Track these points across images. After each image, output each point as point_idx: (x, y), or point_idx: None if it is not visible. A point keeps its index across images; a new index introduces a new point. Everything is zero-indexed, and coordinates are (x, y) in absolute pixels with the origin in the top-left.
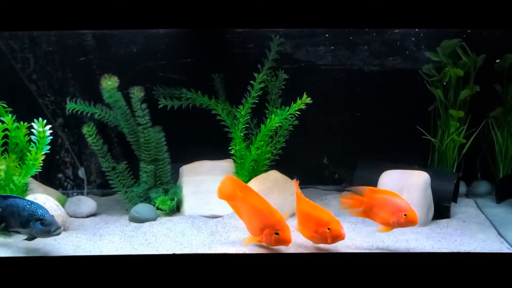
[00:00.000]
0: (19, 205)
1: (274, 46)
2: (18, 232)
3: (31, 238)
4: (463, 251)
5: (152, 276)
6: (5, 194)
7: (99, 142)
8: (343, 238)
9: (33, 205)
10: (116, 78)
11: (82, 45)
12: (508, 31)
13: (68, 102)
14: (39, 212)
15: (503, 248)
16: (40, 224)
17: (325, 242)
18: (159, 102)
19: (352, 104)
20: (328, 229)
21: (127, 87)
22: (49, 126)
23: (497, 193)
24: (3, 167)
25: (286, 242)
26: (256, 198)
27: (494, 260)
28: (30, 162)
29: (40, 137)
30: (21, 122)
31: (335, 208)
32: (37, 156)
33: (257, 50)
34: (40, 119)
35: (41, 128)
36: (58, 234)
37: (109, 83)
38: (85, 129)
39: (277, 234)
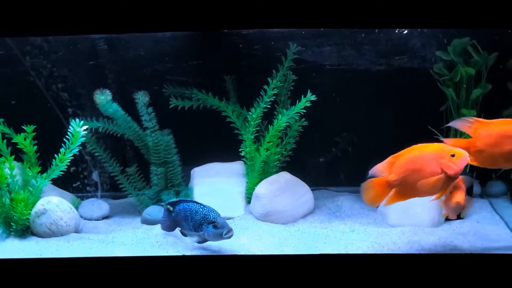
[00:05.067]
0: (192, 209)
1: (291, 54)
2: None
3: (202, 241)
4: (476, 252)
5: (162, 278)
6: (176, 199)
7: (100, 148)
8: (468, 157)
9: (205, 208)
10: (107, 91)
11: (93, 49)
12: None
13: (71, 121)
14: (211, 215)
15: None
16: (212, 227)
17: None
18: (170, 102)
19: (364, 104)
20: (452, 155)
21: (136, 90)
22: (86, 127)
23: (511, 193)
24: (6, 170)
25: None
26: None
27: (508, 261)
28: (55, 164)
29: (73, 137)
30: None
31: (347, 210)
32: (65, 158)
33: (266, 51)
34: (77, 119)
35: (78, 128)
36: (230, 237)
37: (102, 97)
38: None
39: (453, 156)
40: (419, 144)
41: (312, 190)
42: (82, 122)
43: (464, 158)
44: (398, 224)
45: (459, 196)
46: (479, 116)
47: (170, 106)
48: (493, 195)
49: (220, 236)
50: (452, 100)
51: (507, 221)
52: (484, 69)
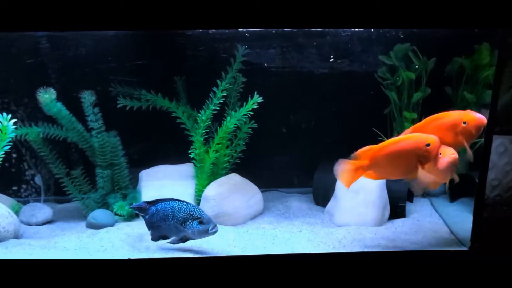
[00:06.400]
0: (174, 207)
1: (239, 56)
2: (163, 239)
3: (179, 241)
4: (416, 249)
5: (107, 282)
6: (153, 200)
7: (47, 148)
8: (485, 122)
9: (188, 205)
10: (52, 89)
11: (33, 47)
12: (457, 35)
13: None
14: (196, 212)
15: (454, 245)
16: (198, 224)
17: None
18: (118, 102)
19: (312, 106)
20: (464, 123)
21: (81, 90)
22: (14, 120)
23: (450, 192)
24: None
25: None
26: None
27: (446, 257)
28: None
29: (2, 133)
30: None
31: (296, 210)
32: None
33: (214, 52)
34: (5, 114)
35: (6, 122)
36: (215, 232)
37: (46, 96)
38: (30, 137)
39: (428, 145)
40: (394, 139)
41: (262, 191)
42: (9, 115)
43: (436, 143)
44: (344, 224)
45: (449, 151)
46: (420, 119)
47: (118, 106)
48: (433, 194)
49: (205, 233)
50: (394, 103)
51: (445, 219)
52: (424, 74)
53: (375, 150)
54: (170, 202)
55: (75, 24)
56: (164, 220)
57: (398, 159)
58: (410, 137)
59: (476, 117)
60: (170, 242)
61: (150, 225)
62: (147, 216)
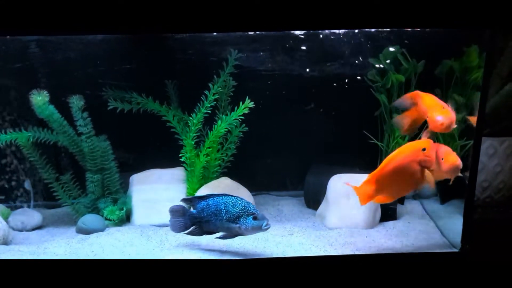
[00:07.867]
0: (228, 202)
1: (232, 60)
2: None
3: (229, 236)
4: (408, 251)
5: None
6: (203, 195)
7: (36, 153)
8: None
9: (243, 200)
10: (45, 92)
11: (21, 51)
12: (446, 37)
13: None
14: (251, 207)
15: (445, 247)
16: (252, 219)
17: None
18: (109, 104)
19: (303, 109)
20: (423, 149)
21: (70, 94)
22: None
23: (441, 194)
24: None
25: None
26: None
27: (436, 259)
28: None
29: None
30: None
31: (287, 213)
32: None
33: (205, 56)
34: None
35: None
36: (267, 229)
37: (39, 98)
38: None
39: (424, 150)
40: (391, 155)
41: (253, 195)
42: None
43: (433, 146)
44: (336, 227)
45: (452, 156)
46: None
47: (109, 108)
48: (424, 196)
49: (259, 228)
50: (384, 106)
51: (436, 221)
52: (413, 76)
53: (375, 174)
54: (223, 197)
55: (65, 27)
56: (216, 214)
57: (401, 173)
58: (404, 148)
59: (437, 120)
60: (219, 238)
61: (197, 220)
62: (194, 211)
